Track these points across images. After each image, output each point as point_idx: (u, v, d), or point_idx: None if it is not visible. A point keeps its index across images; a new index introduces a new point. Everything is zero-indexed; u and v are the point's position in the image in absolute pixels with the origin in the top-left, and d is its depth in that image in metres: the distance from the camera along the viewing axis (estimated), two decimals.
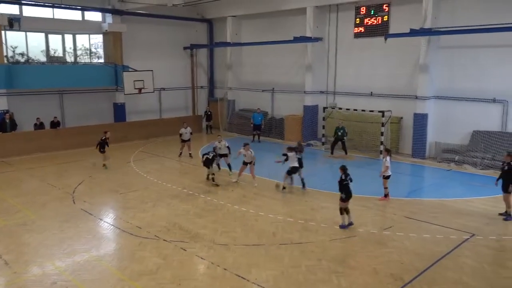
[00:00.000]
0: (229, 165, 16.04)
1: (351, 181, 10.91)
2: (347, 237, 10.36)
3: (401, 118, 19.53)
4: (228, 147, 16.38)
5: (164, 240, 10.18)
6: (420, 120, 18.46)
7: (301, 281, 8.25)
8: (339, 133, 19.22)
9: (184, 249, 9.69)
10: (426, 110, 18.37)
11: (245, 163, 14.99)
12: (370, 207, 12.50)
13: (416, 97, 18.54)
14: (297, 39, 21.59)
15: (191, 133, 19.26)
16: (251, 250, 9.67)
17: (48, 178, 15.79)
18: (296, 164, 13.99)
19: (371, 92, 20.55)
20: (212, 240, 10.20)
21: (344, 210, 10.89)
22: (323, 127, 21.37)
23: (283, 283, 8.22)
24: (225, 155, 16.24)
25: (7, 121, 19.69)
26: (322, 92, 22.53)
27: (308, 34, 21.77)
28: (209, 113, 26.41)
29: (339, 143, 19.52)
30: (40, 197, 13.46)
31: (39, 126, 20.91)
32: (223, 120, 26.79)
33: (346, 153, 19.33)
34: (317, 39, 21.79)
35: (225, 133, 25.81)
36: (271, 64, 24.75)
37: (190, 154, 19.17)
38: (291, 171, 14.04)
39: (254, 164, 14.87)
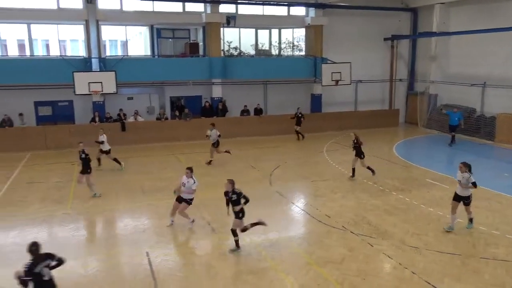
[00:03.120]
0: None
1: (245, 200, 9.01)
2: None
3: None
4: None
5: (351, 232, 10.16)
6: None
7: None
8: None
9: (371, 245, 9.49)
10: None
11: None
12: None
13: None
14: None
15: (219, 136, 16.65)
16: (445, 259, 8.85)
17: (249, 160, 17.43)
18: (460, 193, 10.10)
19: None
20: (401, 240, 9.71)
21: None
22: None
23: None
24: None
25: (220, 108, 22.47)
26: None
27: None
28: (299, 115, 21.75)
29: None
30: (242, 177, 14.92)
31: (245, 112, 23.23)
32: (422, 116, 25.08)
33: None
34: None
35: (423, 130, 24.23)
36: (484, 55, 21.91)
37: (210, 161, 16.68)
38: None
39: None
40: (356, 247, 9.36)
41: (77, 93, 18.99)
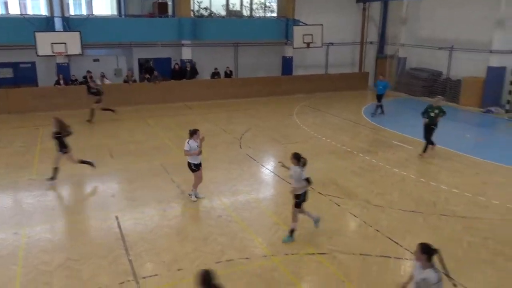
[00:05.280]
0: None
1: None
2: None
3: None
4: None
5: (319, 193, 10.41)
6: None
7: (459, 257, 7.62)
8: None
9: (337, 205, 9.78)
10: None
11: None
12: None
13: None
14: None
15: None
16: (408, 217, 9.24)
17: (220, 123, 17.37)
18: None
19: None
20: (366, 200, 10.04)
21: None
22: (510, 92, 18.60)
23: None
24: None
25: (188, 69, 22.03)
26: None
27: None
28: (93, 90, 17.28)
29: None
30: (212, 139, 14.87)
31: (216, 75, 22.91)
32: (390, 79, 25.34)
33: None
34: None
35: (392, 93, 24.57)
36: (453, 18, 22.12)
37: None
38: None
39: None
40: (323, 207, 9.62)
41: (39, 54, 18.20)
